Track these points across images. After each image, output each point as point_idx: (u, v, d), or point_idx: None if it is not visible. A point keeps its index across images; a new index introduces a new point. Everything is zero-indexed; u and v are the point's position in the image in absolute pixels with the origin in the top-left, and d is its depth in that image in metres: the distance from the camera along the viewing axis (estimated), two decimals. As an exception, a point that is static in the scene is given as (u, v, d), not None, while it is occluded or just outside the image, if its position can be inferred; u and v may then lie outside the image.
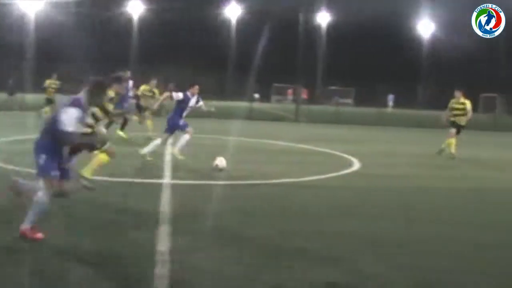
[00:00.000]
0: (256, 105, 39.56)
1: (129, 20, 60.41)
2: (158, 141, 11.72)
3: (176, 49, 54.99)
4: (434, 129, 21.71)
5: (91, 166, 8.58)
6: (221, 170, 10.66)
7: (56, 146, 5.97)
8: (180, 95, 11.67)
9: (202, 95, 12.17)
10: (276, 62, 50.88)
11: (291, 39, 58.94)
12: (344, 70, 55.68)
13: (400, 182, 10.93)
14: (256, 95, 49.82)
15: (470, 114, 15.38)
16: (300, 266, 5.40)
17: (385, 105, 52.74)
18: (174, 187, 9.05)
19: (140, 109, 17.58)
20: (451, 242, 6.61)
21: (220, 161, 10.83)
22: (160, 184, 9.20)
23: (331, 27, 63.94)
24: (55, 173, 5.88)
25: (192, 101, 11.85)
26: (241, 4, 62.26)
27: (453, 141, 15.10)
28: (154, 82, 18.25)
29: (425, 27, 65.69)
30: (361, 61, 56.89)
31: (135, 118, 16.88)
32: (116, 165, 9.72)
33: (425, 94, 60.54)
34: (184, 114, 11.85)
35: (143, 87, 18.06)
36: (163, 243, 5.86)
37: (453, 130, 15.21)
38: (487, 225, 7.59)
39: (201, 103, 12.12)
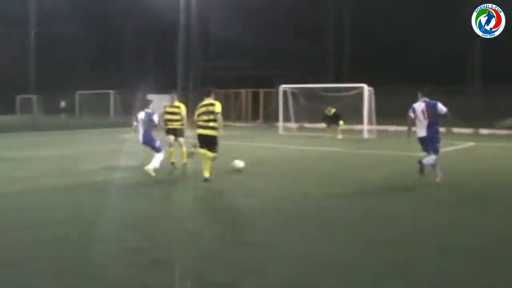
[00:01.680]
0: None
1: None
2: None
3: None
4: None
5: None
6: (239, 170, 12.79)
7: None
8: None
9: None
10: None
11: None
12: None
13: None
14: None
15: (185, 119, 14.27)
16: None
17: None
18: None
19: None
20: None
21: (239, 163, 12.94)
22: None
23: None
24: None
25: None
26: None
27: (172, 150, 14.15)
28: None
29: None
30: None
31: None
32: None
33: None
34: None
35: None
36: None
37: (171, 137, 14.18)
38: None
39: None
